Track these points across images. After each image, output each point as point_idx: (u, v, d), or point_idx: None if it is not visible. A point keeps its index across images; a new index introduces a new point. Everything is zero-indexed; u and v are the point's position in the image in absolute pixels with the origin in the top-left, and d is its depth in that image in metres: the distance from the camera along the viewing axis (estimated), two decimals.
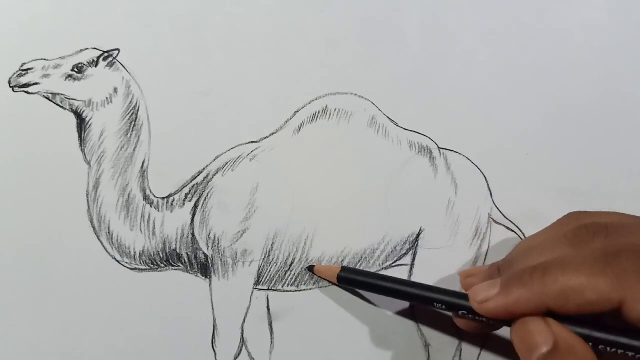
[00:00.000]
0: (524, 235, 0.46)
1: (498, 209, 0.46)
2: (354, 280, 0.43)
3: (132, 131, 0.46)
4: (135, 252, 0.45)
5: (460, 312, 0.39)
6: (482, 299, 0.36)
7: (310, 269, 0.45)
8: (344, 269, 0.44)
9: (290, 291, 0.46)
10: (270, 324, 0.46)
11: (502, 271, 0.39)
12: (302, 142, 0.46)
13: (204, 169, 0.46)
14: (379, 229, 0.46)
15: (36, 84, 0.45)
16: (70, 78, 0.46)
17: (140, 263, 0.45)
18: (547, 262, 0.35)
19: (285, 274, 0.46)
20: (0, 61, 0.46)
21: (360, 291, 0.45)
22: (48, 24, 0.47)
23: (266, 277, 0.46)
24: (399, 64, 0.48)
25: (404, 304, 0.45)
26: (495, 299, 0.36)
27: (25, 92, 0.46)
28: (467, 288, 0.42)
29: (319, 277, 0.45)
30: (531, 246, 0.39)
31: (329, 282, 0.45)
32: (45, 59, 0.46)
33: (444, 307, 0.39)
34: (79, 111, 0.46)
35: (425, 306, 0.41)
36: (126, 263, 0.45)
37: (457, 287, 0.46)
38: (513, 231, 0.46)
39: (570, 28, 0.48)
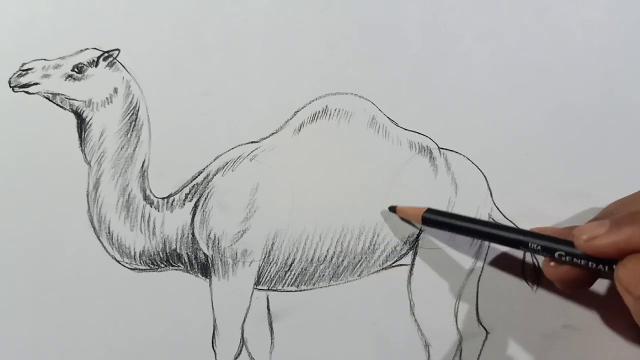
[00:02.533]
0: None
1: (498, 209, 0.46)
2: (439, 222, 0.43)
3: (132, 131, 0.46)
4: (135, 252, 0.45)
5: (557, 254, 0.38)
6: (589, 236, 0.36)
7: (392, 209, 0.45)
8: (429, 210, 0.43)
9: (290, 291, 0.46)
10: (270, 324, 0.46)
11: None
12: (302, 142, 0.46)
13: (204, 169, 0.46)
14: (379, 229, 0.46)
15: (36, 84, 0.45)
16: (70, 78, 0.46)
17: (140, 263, 0.45)
18: None
19: (285, 274, 0.46)
20: (0, 61, 0.46)
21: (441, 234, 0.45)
22: (48, 24, 0.47)
23: (266, 277, 0.46)
24: (399, 64, 0.48)
25: (480, 254, 0.45)
26: (604, 236, 0.35)
27: (25, 92, 0.46)
28: None
29: (401, 217, 0.45)
30: (631, 200, 0.39)
31: (411, 224, 0.45)
32: (45, 59, 0.46)
33: (539, 247, 0.39)
34: (79, 111, 0.46)
35: (515, 248, 0.41)
36: (126, 263, 0.45)
37: (458, 286, 0.46)
38: None
39: (570, 28, 0.48)
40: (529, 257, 0.46)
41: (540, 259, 0.46)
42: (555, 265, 0.39)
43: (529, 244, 0.39)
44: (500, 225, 0.42)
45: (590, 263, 0.37)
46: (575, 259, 0.37)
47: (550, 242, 0.39)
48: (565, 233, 0.41)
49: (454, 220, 0.43)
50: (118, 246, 0.45)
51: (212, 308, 0.45)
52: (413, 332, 0.45)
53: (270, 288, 0.46)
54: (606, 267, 0.37)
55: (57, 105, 0.46)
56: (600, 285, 0.45)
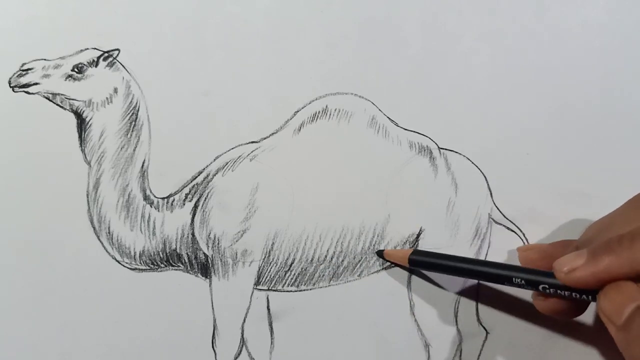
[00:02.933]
0: (524, 235, 0.46)
1: (498, 209, 0.46)
2: (425, 263, 0.43)
3: (132, 131, 0.46)
4: (135, 252, 0.45)
5: (540, 287, 0.38)
6: (568, 268, 0.36)
7: (379, 253, 0.45)
8: (415, 252, 0.44)
9: (290, 291, 0.46)
10: (270, 324, 0.46)
11: (581, 248, 0.39)
12: (302, 142, 0.46)
13: (204, 169, 0.46)
14: (379, 229, 0.46)
15: (36, 84, 0.45)
16: (70, 78, 0.46)
17: (140, 263, 0.45)
18: (635, 230, 0.35)
19: (285, 274, 0.46)
20: (0, 61, 0.46)
21: (431, 273, 0.45)
22: (48, 24, 0.47)
23: (266, 277, 0.46)
24: (399, 64, 0.48)
25: (471, 284, 0.45)
26: (583, 268, 0.36)
27: (25, 92, 0.46)
28: (524, 262, 0.43)
29: (388, 261, 0.45)
30: (609, 223, 0.39)
31: (399, 266, 0.45)
32: (45, 59, 0.46)
33: (523, 282, 0.39)
34: (79, 111, 0.46)
35: (501, 284, 0.41)
36: (126, 263, 0.45)
37: (458, 285, 0.46)
38: (513, 231, 0.46)
39: (570, 28, 0.48)
40: None
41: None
42: (543, 298, 0.40)
43: (513, 279, 0.40)
44: (484, 262, 0.42)
45: (574, 294, 0.37)
46: (559, 291, 0.38)
47: (534, 276, 0.39)
48: (551, 249, 0.41)
49: (439, 260, 0.43)
50: (118, 246, 0.45)
51: (212, 308, 0.45)
52: (413, 332, 0.45)
53: (270, 288, 0.46)
54: (589, 297, 0.37)
55: (57, 105, 0.46)
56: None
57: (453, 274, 0.43)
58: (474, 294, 0.46)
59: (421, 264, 0.44)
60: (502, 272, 0.40)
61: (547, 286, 0.38)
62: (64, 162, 0.45)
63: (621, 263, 0.34)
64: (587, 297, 0.37)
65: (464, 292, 0.46)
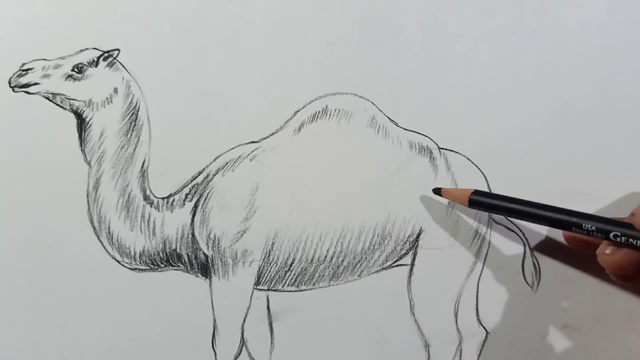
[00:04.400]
0: (523, 235, 0.46)
1: None
2: (487, 204, 0.43)
3: (132, 131, 0.46)
4: (135, 252, 0.45)
5: (612, 235, 0.37)
6: None
7: (436, 191, 0.45)
8: (476, 192, 0.43)
9: (290, 291, 0.46)
10: (270, 324, 0.46)
11: None
12: (302, 142, 0.46)
13: (204, 169, 0.46)
14: (379, 229, 0.46)
15: (36, 84, 0.45)
16: (70, 78, 0.46)
17: (141, 263, 0.45)
18: None
19: (285, 274, 0.46)
20: (0, 61, 0.46)
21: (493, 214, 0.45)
22: (48, 24, 0.47)
23: (266, 277, 0.46)
24: (399, 64, 0.48)
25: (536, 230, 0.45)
26: None
27: (25, 92, 0.46)
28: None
29: (448, 198, 0.45)
30: None
31: (459, 202, 0.44)
32: (45, 59, 0.46)
33: (593, 227, 0.38)
34: (79, 111, 0.46)
35: (568, 230, 0.40)
36: (126, 263, 0.45)
37: (458, 285, 0.46)
38: (513, 231, 0.46)
39: (570, 28, 0.48)
40: (529, 257, 0.46)
41: (541, 259, 0.46)
42: (611, 251, 0.38)
43: (583, 225, 0.38)
44: (551, 207, 0.41)
45: None
46: (631, 240, 0.36)
47: (605, 224, 0.38)
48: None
49: (501, 202, 0.42)
50: (118, 246, 0.45)
51: (212, 308, 0.45)
52: (413, 332, 0.45)
53: (270, 288, 0.46)
54: None
55: (57, 105, 0.46)
56: (600, 285, 0.45)
57: (517, 217, 0.42)
58: (474, 293, 0.46)
59: (482, 204, 0.43)
60: (571, 219, 0.39)
61: (619, 234, 0.37)
62: (64, 162, 0.45)
63: None
64: None
65: (464, 292, 0.46)
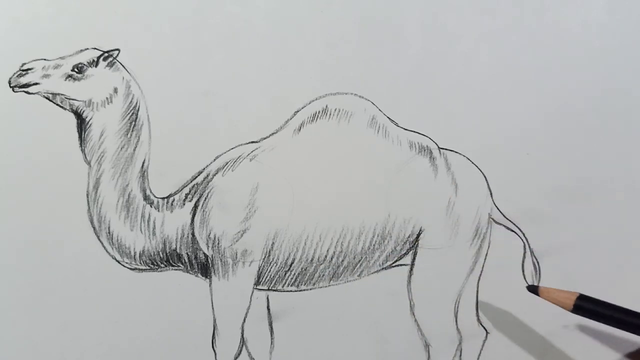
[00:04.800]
0: (524, 235, 0.46)
1: (498, 209, 0.46)
2: (593, 311, 0.41)
3: (132, 131, 0.46)
4: (135, 252, 0.45)
5: None
6: None
7: (533, 289, 0.42)
8: (581, 297, 0.41)
9: (291, 291, 0.46)
10: (270, 324, 0.46)
11: None
12: (302, 142, 0.46)
13: (204, 169, 0.46)
14: (379, 229, 0.46)
15: (36, 84, 0.45)
16: (70, 78, 0.46)
17: (141, 263, 0.45)
18: None
19: (285, 274, 0.46)
20: (0, 61, 0.46)
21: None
22: (48, 24, 0.47)
23: (266, 277, 0.46)
24: (399, 64, 0.48)
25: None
26: None
27: (25, 92, 0.46)
28: None
29: (547, 300, 0.42)
30: None
31: (560, 306, 0.42)
32: (45, 59, 0.46)
33: None
34: (79, 111, 0.46)
35: None
36: (126, 263, 0.45)
37: (458, 285, 0.46)
38: (513, 231, 0.46)
39: (570, 28, 0.48)
40: (529, 257, 0.46)
41: (541, 259, 0.46)
42: None
43: None
44: None
45: None
46: None
47: None
48: None
49: (611, 311, 0.40)
50: (118, 246, 0.45)
51: (212, 308, 0.45)
52: (413, 332, 0.45)
53: (270, 288, 0.46)
54: None
55: (57, 105, 0.46)
56: (601, 285, 0.45)
57: (626, 329, 0.40)
58: (474, 293, 0.46)
59: (588, 311, 0.41)
60: None
61: None
62: (64, 162, 0.45)
63: None
64: None
65: (464, 292, 0.46)
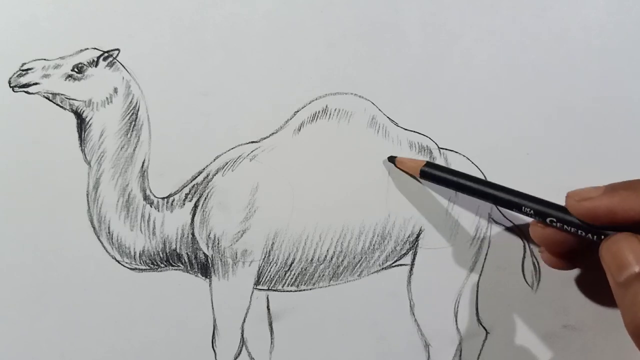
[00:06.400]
0: (524, 235, 0.46)
1: (498, 209, 0.46)
2: (436, 176, 0.43)
3: (132, 131, 0.46)
4: (135, 252, 0.45)
5: (548, 220, 0.38)
6: (582, 197, 0.36)
7: (391, 159, 0.46)
8: (427, 164, 0.44)
9: (290, 291, 0.46)
10: (270, 324, 0.46)
11: None
12: (302, 142, 0.46)
13: (204, 169, 0.46)
14: (379, 229, 0.46)
15: (36, 84, 0.45)
16: (70, 78, 0.46)
17: (140, 263, 0.45)
18: None
19: (285, 274, 0.46)
20: (0, 61, 0.46)
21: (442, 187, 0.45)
22: (48, 24, 0.47)
23: (266, 277, 0.46)
24: (399, 64, 0.48)
25: (484, 207, 0.46)
26: (597, 199, 0.35)
27: (25, 92, 0.46)
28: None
29: (400, 168, 0.45)
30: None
31: (410, 174, 0.45)
32: (45, 59, 0.46)
33: (531, 211, 0.39)
34: (79, 111, 0.46)
35: (509, 209, 0.41)
36: (126, 263, 0.45)
37: (458, 285, 0.46)
38: (513, 231, 0.46)
39: (570, 28, 0.48)
40: (529, 257, 0.46)
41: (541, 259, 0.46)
42: (542, 226, 0.39)
43: (522, 207, 0.39)
44: (496, 185, 0.42)
45: (579, 231, 0.37)
46: (565, 226, 0.37)
47: (544, 207, 0.39)
48: None
49: (450, 176, 0.43)
50: (118, 246, 0.45)
51: (212, 308, 0.45)
52: (413, 332, 0.45)
53: (270, 288, 0.46)
54: (594, 237, 0.36)
55: (57, 105, 0.46)
56: (601, 285, 0.45)
57: (462, 191, 0.43)
58: (474, 293, 0.46)
59: (432, 177, 0.44)
60: (511, 198, 0.40)
61: (554, 219, 0.38)
62: (64, 162, 0.45)
63: (637, 201, 0.33)
64: (592, 236, 0.36)
65: (464, 292, 0.46)
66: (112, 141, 0.46)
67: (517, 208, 0.40)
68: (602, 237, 0.36)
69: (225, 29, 0.48)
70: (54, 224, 0.45)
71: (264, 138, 0.47)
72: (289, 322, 0.46)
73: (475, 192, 0.42)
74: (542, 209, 0.39)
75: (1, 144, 0.46)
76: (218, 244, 0.45)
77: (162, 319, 0.45)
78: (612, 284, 0.35)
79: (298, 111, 0.47)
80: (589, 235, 0.37)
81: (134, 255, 0.45)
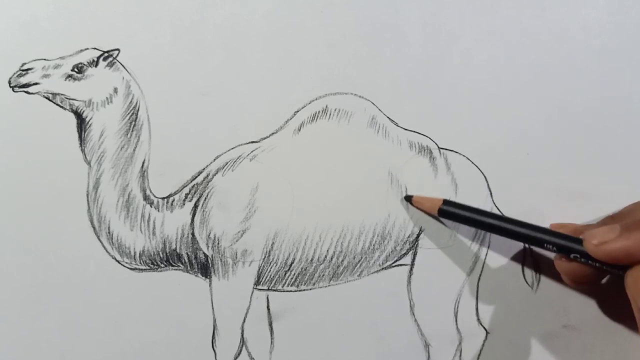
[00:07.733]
0: None
1: (498, 209, 0.46)
2: (456, 214, 0.43)
3: (132, 131, 0.46)
4: (135, 252, 0.45)
5: (572, 255, 0.39)
6: (599, 241, 0.36)
7: (408, 198, 0.45)
8: (445, 202, 0.44)
9: (290, 291, 0.46)
10: (270, 324, 0.46)
11: (617, 221, 0.39)
12: (302, 142, 0.46)
13: (204, 169, 0.46)
14: (379, 229, 0.46)
15: (36, 84, 0.45)
16: (70, 78, 0.46)
17: (140, 263, 0.45)
18: None
19: (285, 274, 0.46)
20: (0, 61, 0.46)
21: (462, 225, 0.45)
22: (48, 24, 0.47)
23: (266, 277, 0.46)
24: (399, 64, 0.48)
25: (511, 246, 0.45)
26: (615, 241, 0.36)
27: (25, 92, 0.46)
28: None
29: (417, 207, 0.45)
30: None
31: (427, 213, 0.45)
32: (45, 59, 0.46)
33: (554, 248, 0.39)
34: (79, 111, 0.46)
35: (533, 246, 0.41)
36: (126, 263, 0.45)
37: (458, 285, 0.46)
38: None
39: (570, 28, 0.48)
40: (529, 257, 0.46)
41: (541, 259, 0.46)
42: (566, 261, 0.40)
43: (545, 244, 0.40)
44: (517, 222, 0.42)
45: (604, 267, 0.38)
46: (590, 261, 0.38)
47: (567, 242, 0.39)
48: (584, 229, 0.41)
49: (470, 213, 0.43)
50: (118, 246, 0.45)
51: (212, 308, 0.45)
52: (413, 332, 0.45)
53: (270, 288, 0.46)
54: (620, 271, 0.37)
55: (57, 105, 0.46)
56: (600, 285, 0.45)
57: (482, 228, 0.43)
58: (474, 293, 0.46)
59: (451, 215, 0.44)
60: (535, 235, 0.40)
61: (578, 255, 0.38)
62: (64, 162, 0.45)
63: None
64: (617, 270, 0.37)
65: (464, 292, 0.46)
66: (112, 141, 0.46)
67: (539, 244, 0.40)
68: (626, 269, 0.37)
69: (225, 29, 0.48)
70: (54, 224, 0.45)
71: (264, 138, 0.47)
72: (289, 322, 0.46)
73: (494, 229, 0.42)
74: (565, 245, 0.39)
75: (1, 144, 0.46)
76: (218, 244, 0.45)
77: (162, 319, 0.45)
78: (635, 310, 0.36)
79: (298, 111, 0.47)
80: (614, 270, 0.37)
81: (134, 255, 0.45)
